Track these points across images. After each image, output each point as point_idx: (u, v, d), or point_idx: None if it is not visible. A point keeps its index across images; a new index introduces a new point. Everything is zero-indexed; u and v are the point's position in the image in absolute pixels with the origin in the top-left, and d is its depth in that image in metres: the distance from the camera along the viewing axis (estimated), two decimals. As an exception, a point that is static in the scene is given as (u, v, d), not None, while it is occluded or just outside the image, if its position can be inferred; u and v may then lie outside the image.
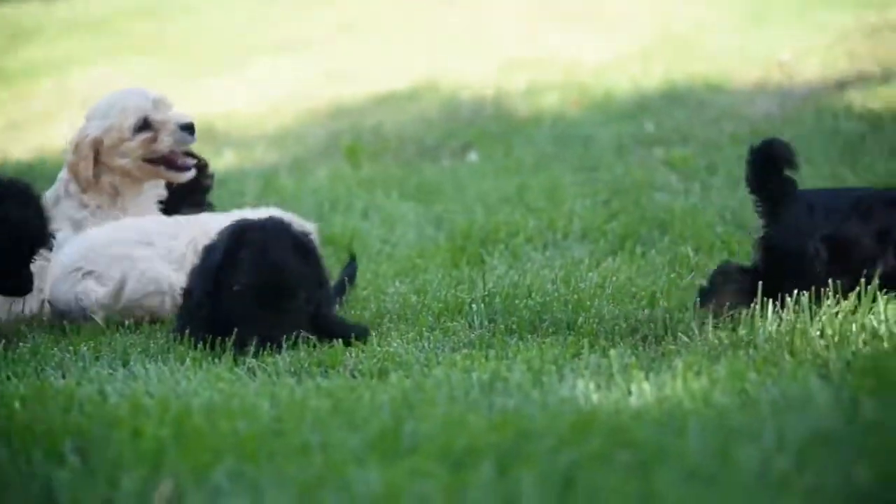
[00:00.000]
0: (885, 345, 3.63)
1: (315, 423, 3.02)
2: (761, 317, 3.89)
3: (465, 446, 2.66)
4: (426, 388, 3.23)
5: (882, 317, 3.79)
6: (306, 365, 3.74)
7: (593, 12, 10.78)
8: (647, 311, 4.09)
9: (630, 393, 3.29)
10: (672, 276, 4.46)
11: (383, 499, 2.51)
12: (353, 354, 3.81)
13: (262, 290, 3.86)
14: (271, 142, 7.55)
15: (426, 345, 3.88)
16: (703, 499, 2.39)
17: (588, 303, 4.13)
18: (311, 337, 3.92)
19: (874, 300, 3.89)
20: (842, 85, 7.30)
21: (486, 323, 4.09)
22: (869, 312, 3.81)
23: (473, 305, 4.19)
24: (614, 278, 4.44)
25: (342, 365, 3.73)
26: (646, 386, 3.37)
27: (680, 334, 3.90)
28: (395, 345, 3.89)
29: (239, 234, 3.93)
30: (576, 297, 4.18)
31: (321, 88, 8.77)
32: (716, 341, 3.82)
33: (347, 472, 2.65)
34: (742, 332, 3.87)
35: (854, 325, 3.76)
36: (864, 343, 3.68)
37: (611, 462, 2.53)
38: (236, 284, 3.87)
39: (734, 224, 5.03)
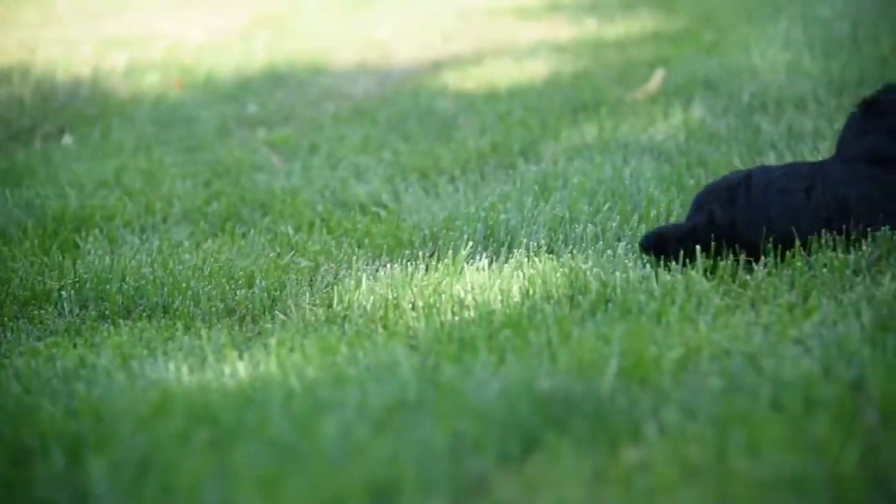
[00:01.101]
0: (471, 313, 3.79)
1: None
2: (357, 292, 3.97)
3: (35, 437, 2.57)
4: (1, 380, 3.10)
5: (468, 286, 3.94)
6: None
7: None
8: (245, 292, 4.09)
9: (223, 373, 3.28)
10: (272, 255, 4.48)
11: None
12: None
13: None
14: None
15: (9, 335, 3.72)
16: (281, 470, 2.41)
17: (185, 285, 4.08)
18: None
19: (461, 271, 4.05)
20: (437, 65, 7.54)
21: (76, 310, 3.97)
22: (456, 283, 3.96)
23: (63, 292, 4.06)
24: (213, 260, 4.41)
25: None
26: (240, 365, 3.36)
27: (277, 313, 3.93)
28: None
29: None
30: (172, 279, 4.12)
31: None
32: (312, 318, 3.87)
33: None
34: (338, 307, 3.94)
35: (443, 296, 3.90)
36: (453, 313, 3.82)
37: (190, 441, 2.51)
38: None
39: (333, 202, 5.10)
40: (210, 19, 9.45)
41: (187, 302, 3.98)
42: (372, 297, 3.96)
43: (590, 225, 4.39)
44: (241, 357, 3.43)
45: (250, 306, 3.99)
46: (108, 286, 4.05)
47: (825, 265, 3.64)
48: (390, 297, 3.93)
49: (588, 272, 3.91)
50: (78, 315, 3.93)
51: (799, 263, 3.69)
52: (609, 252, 4.09)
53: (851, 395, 2.66)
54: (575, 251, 4.16)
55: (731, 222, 3.80)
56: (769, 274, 3.71)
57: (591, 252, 4.14)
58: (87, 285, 4.08)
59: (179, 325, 3.75)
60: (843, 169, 3.89)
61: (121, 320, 3.86)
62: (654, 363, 3.14)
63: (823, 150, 4.89)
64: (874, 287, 3.50)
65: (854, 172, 3.87)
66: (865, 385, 2.70)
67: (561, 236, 4.38)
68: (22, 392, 2.95)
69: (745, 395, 2.75)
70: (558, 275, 3.94)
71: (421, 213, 4.84)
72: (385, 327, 3.77)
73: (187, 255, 4.42)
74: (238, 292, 4.08)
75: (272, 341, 3.53)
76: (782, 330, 3.22)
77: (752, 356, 3.06)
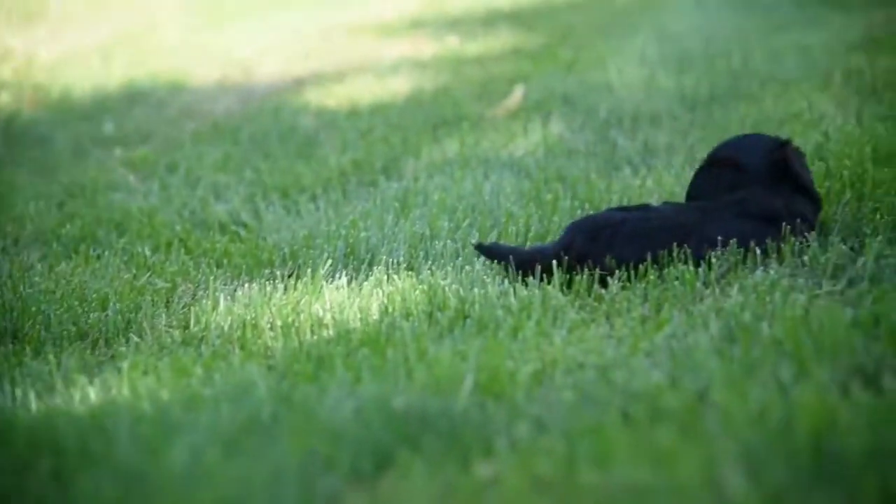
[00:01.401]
0: (330, 332, 3.76)
1: None
2: (214, 313, 3.92)
3: None
4: None
5: (327, 305, 3.92)
6: None
7: (41, 9, 10.47)
8: (98, 314, 4.01)
9: (72, 398, 3.21)
10: (127, 277, 4.40)
11: None
12: None
13: None
14: None
15: None
16: (127, 497, 2.36)
17: (34, 309, 3.99)
18: None
19: (320, 290, 4.02)
20: (300, 83, 7.51)
21: (-81, 338, 3.85)
22: (315, 302, 3.93)
23: None
24: (66, 282, 4.31)
25: None
26: (90, 390, 3.29)
27: (132, 335, 3.86)
28: None
29: None
30: (21, 304, 4.02)
31: None
32: (168, 340, 3.81)
33: None
34: (195, 328, 3.88)
35: (301, 316, 3.87)
36: (312, 332, 3.79)
37: (32, 470, 2.44)
38: None
39: (192, 222, 5.03)
40: (63, 37, 9.28)
41: (37, 326, 3.88)
42: (230, 318, 3.91)
43: (449, 241, 4.40)
44: (91, 382, 3.36)
45: (103, 329, 3.91)
46: (-47, 311, 3.94)
47: (677, 278, 3.70)
48: (248, 317, 3.89)
49: (447, 288, 3.92)
50: (-81, 343, 3.82)
51: (652, 276, 3.74)
52: (468, 268, 4.11)
53: (696, 405, 2.70)
54: (434, 268, 4.17)
55: (585, 254, 3.84)
56: (623, 287, 3.75)
57: (450, 268, 4.15)
58: (-69, 310, 3.96)
59: (28, 350, 3.66)
60: (721, 220, 3.89)
61: (-33, 346, 3.75)
62: (509, 378, 3.16)
63: (676, 165, 4.98)
64: (723, 299, 3.56)
65: (730, 224, 3.88)
66: (710, 394, 2.74)
67: (421, 253, 4.39)
68: None
69: (596, 408, 2.78)
70: (417, 292, 3.94)
71: (281, 231, 4.80)
72: (242, 348, 3.72)
73: (37, 278, 4.32)
74: (91, 315, 3.99)
75: (125, 364, 3.47)
76: (634, 342, 3.26)
77: (605, 369, 3.09)
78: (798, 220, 3.93)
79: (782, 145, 4.12)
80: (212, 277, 4.32)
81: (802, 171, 4.11)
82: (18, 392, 3.21)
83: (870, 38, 6.93)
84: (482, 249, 4.13)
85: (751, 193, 4.01)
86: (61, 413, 3.00)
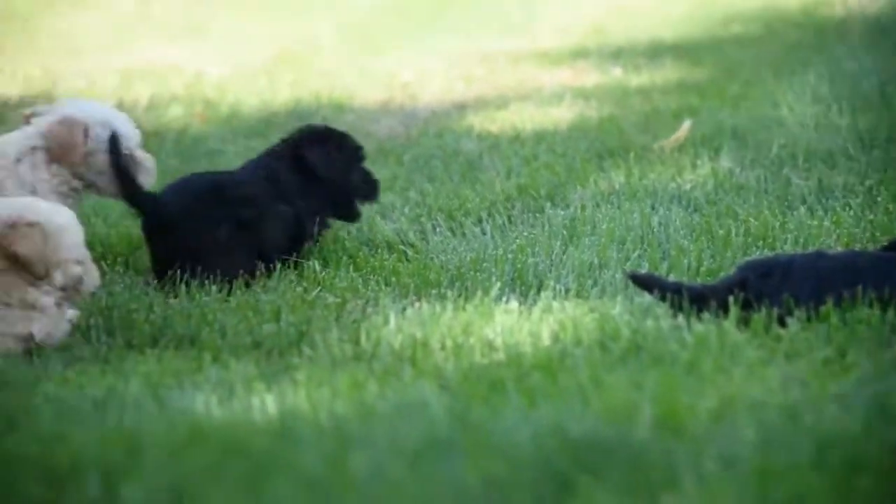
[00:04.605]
0: (501, 355, 3.76)
1: None
2: (385, 330, 3.95)
3: (69, 462, 2.54)
4: (32, 405, 3.07)
5: (498, 329, 3.92)
6: None
7: (204, 26, 10.73)
8: (271, 326, 4.07)
9: (251, 406, 3.25)
10: (299, 290, 4.46)
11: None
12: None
13: None
14: None
15: (36, 361, 3.69)
16: (317, 506, 2.38)
17: (211, 317, 4.06)
18: None
19: (491, 314, 4.02)
20: (462, 107, 7.54)
21: (104, 338, 3.95)
22: (486, 326, 3.94)
23: (91, 320, 4.04)
24: (239, 292, 4.39)
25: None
26: (268, 398, 3.34)
27: (304, 347, 3.90)
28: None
29: None
30: (199, 310, 4.10)
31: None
32: (340, 354, 3.84)
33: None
34: (365, 344, 3.91)
35: (472, 338, 3.88)
36: (482, 354, 3.79)
37: (223, 474, 2.48)
38: None
39: (360, 239, 5.07)
40: (229, 54, 9.47)
41: (214, 334, 3.96)
42: (399, 335, 3.93)
43: (619, 271, 4.37)
44: (268, 390, 3.40)
45: (277, 340, 3.97)
46: (135, 315, 4.03)
47: (861, 321, 3.61)
48: (418, 335, 3.91)
49: (619, 319, 3.89)
50: (105, 342, 3.91)
51: (834, 320, 3.65)
52: (638, 299, 4.07)
53: (893, 458, 2.62)
54: (605, 297, 4.14)
55: (760, 292, 3.77)
56: (803, 329, 3.68)
57: (620, 298, 4.12)
58: (115, 313, 4.06)
59: (207, 356, 3.72)
60: None
61: (148, 349, 3.83)
62: (687, 412, 3.11)
63: (855, 206, 4.87)
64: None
65: None
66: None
67: (590, 282, 4.36)
68: (54, 418, 2.93)
69: (785, 449, 2.71)
70: (588, 320, 3.92)
71: (447, 253, 4.82)
72: (413, 365, 3.74)
73: (213, 287, 4.39)
74: (264, 326, 4.05)
75: (300, 376, 3.51)
76: (822, 385, 3.19)
77: (791, 410, 3.02)
78: None
79: None
80: (381, 294, 4.35)
81: None
82: (200, 396, 3.26)
83: None
84: (636, 279, 4.06)
85: None
86: (244, 420, 3.05)
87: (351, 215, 5.00)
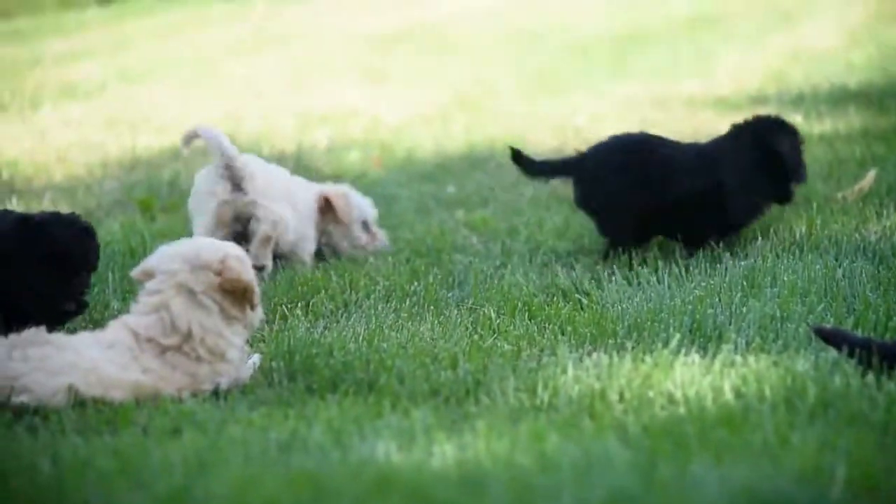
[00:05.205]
0: (682, 410, 3.68)
1: (99, 482, 2.87)
2: (562, 380, 3.90)
3: (261, 505, 2.57)
4: (220, 446, 3.11)
5: (678, 381, 3.84)
6: (94, 423, 3.58)
7: (383, 70, 10.88)
8: (448, 373, 4.06)
9: (432, 454, 3.25)
10: (475, 337, 4.45)
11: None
12: (145, 411, 3.66)
13: None
14: (60, 192, 7.24)
15: (222, 403, 3.75)
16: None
17: (389, 363, 4.08)
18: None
19: (671, 366, 3.95)
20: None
21: (285, 381, 4.00)
22: (666, 379, 3.86)
23: (273, 363, 4.09)
24: (417, 339, 4.40)
25: (132, 422, 3.57)
26: (448, 447, 3.33)
27: (482, 396, 3.88)
28: (189, 402, 3.75)
29: None
30: (377, 356, 4.12)
31: (113, 137, 8.51)
32: (517, 404, 3.81)
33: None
34: (542, 394, 3.87)
35: (651, 391, 3.81)
36: (662, 407, 3.72)
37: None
38: None
39: (535, 286, 5.05)
40: (405, 98, 9.58)
41: (392, 380, 3.97)
42: (577, 386, 3.88)
43: (803, 325, 4.25)
44: (448, 438, 3.39)
45: (454, 388, 3.95)
46: (316, 360, 4.07)
47: None
48: (596, 386, 3.86)
49: (805, 375, 3.77)
50: (286, 386, 3.95)
51: None
52: (825, 354, 3.95)
53: None
54: (789, 351, 4.03)
55: None
56: None
57: (805, 353, 4.00)
58: (297, 357, 4.10)
59: (386, 402, 3.73)
60: None
61: (328, 394, 3.86)
62: (883, 475, 2.99)
63: None
64: None
65: None
66: None
67: (772, 335, 4.25)
68: (242, 460, 2.96)
69: None
70: (772, 375, 3.81)
71: (623, 302, 4.76)
72: (592, 417, 3.68)
73: (392, 333, 4.41)
74: (442, 373, 4.05)
75: (480, 424, 3.49)
76: None
77: None
78: None
79: None
80: (558, 343, 4.31)
81: None
82: (380, 443, 3.27)
83: None
84: (822, 334, 3.95)
85: None
86: (426, 468, 3.04)
87: (787, 197, 5.48)
